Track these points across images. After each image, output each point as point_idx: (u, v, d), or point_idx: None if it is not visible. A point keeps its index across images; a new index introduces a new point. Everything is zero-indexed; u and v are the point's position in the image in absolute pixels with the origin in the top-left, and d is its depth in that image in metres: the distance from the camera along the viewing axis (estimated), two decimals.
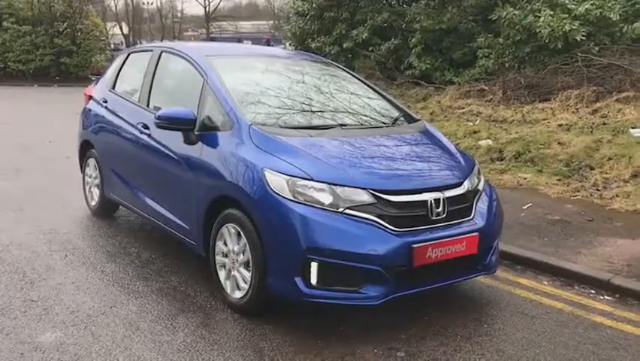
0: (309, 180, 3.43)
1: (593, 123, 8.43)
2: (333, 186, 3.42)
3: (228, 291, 3.85)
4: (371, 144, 3.97)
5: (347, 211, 3.38)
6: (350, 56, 16.09)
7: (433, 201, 3.55)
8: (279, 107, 4.22)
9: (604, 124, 8.36)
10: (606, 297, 4.22)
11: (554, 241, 5.07)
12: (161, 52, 5.04)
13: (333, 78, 4.96)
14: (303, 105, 4.37)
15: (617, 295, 4.21)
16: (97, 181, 5.78)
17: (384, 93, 5.03)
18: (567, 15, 11.94)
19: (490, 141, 8.14)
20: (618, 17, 11.72)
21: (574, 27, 11.64)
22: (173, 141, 4.31)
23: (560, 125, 8.62)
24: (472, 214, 3.78)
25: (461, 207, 3.72)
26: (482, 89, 12.01)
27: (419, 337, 3.53)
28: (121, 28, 65.80)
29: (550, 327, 3.74)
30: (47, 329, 3.52)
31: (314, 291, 3.36)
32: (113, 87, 5.66)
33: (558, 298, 4.19)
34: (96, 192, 5.83)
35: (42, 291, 4.07)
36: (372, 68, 15.33)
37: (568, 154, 7.12)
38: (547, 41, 11.90)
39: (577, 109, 9.58)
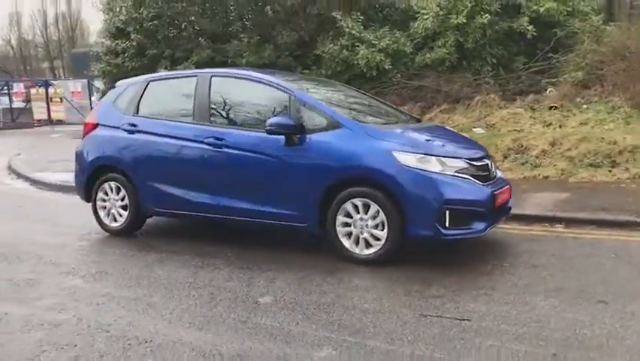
0: (426, 154, 4.85)
1: None
2: (442, 158, 4.89)
3: (357, 251, 4.99)
4: (428, 132, 5.50)
5: (455, 174, 4.87)
6: None
7: (490, 164, 5.24)
8: (351, 111, 5.50)
9: None
10: (557, 225, 6.30)
11: None
12: (211, 76, 5.83)
13: (352, 92, 6.36)
14: (362, 109, 5.71)
15: (563, 223, 6.33)
16: (122, 203, 6.14)
17: (383, 100, 6.59)
18: (374, 48, 14.67)
19: None
20: (410, 50, 14.78)
21: (382, 58, 14.37)
22: (267, 145, 5.26)
23: None
24: (498, 174, 5.55)
25: (493, 169, 5.47)
26: None
27: (504, 257, 5.17)
28: None
29: (550, 242, 5.67)
30: (263, 293, 4.31)
31: (448, 231, 4.77)
32: (137, 112, 6.15)
33: (534, 230, 6.16)
34: (121, 212, 6.17)
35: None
36: None
37: None
38: (364, 70, 14.43)
39: None
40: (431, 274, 4.70)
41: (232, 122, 5.62)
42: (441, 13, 14.16)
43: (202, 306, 4.17)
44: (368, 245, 4.96)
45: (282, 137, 5.18)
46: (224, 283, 4.64)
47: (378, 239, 4.92)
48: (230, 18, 17.94)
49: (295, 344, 3.49)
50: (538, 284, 4.41)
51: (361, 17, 15.27)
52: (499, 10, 13.70)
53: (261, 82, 5.60)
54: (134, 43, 16.70)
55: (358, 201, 4.95)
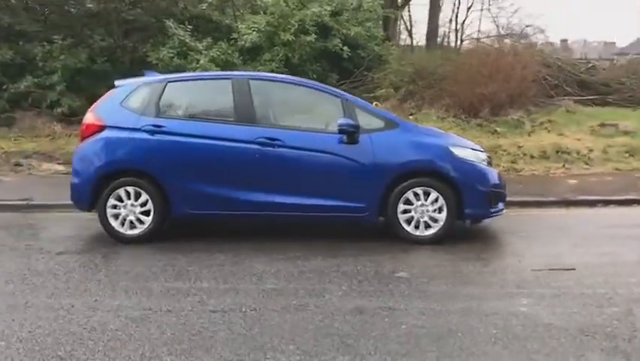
0: (468, 148, 5.97)
1: None
2: (477, 152, 6.06)
3: (418, 233, 5.82)
4: (442, 131, 6.63)
5: (486, 164, 6.08)
6: None
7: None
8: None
9: None
10: (512, 206, 7.70)
11: None
12: (249, 80, 6.02)
13: None
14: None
15: (517, 205, 7.88)
16: (143, 208, 5.85)
17: None
18: (207, 58, 15.03)
19: None
20: (239, 62, 15.53)
21: (215, 68, 14.86)
22: (328, 144, 5.78)
23: None
24: None
25: None
26: None
27: (516, 230, 6.47)
28: None
29: (531, 218, 7.26)
30: (390, 271, 4.89)
31: (491, 210, 5.95)
32: (158, 114, 5.94)
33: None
34: (142, 218, 5.86)
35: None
36: (4, 108, 14.50)
37: None
38: None
39: None
40: (493, 244, 5.84)
41: (283, 124, 5.94)
42: (264, 28, 15.20)
43: (358, 285, 4.59)
44: (427, 227, 5.83)
45: (342, 136, 5.75)
46: (342, 268, 5.04)
47: (436, 221, 5.82)
48: (29, 14, 16.25)
49: (489, 299, 4.26)
50: (576, 241, 5.93)
51: (190, 27, 15.47)
52: (317, 31, 15.28)
53: (307, 86, 6.08)
54: None
55: (419, 190, 5.78)
